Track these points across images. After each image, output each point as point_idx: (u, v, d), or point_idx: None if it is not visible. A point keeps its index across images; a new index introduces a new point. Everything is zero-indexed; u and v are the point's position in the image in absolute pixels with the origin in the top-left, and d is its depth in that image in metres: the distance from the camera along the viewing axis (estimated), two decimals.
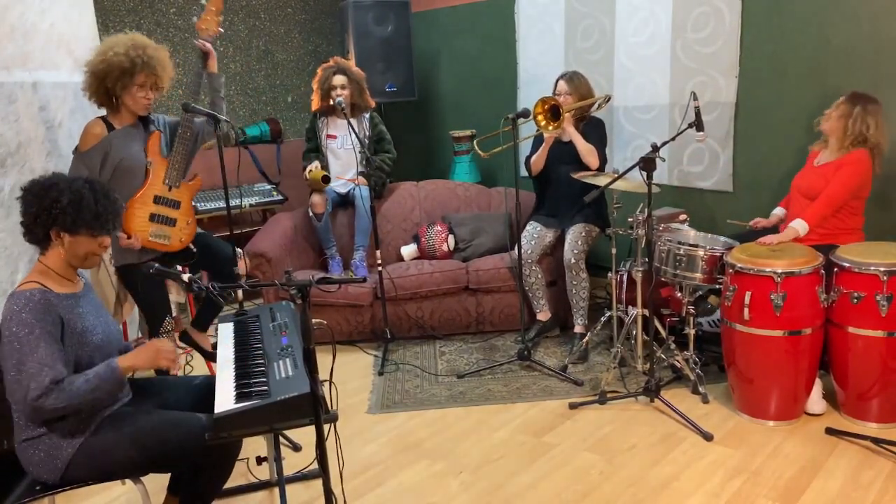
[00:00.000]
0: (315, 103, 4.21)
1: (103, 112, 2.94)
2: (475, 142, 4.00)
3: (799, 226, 3.10)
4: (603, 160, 3.77)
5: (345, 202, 4.31)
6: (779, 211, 3.50)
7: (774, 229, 3.34)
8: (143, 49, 2.79)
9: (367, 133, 4.19)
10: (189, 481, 2.16)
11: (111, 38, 2.82)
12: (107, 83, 2.80)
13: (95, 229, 2.02)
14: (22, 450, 1.99)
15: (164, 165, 2.95)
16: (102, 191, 2.05)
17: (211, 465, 2.12)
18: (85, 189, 2.01)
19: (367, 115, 4.23)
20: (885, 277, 2.71)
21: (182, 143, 2.96)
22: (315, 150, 4.25)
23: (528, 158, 3.92)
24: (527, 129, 4.16)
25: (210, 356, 3.30)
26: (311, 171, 4.09)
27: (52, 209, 1.97)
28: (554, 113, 3.55)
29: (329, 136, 4.20)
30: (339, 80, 4.07)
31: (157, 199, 2.93)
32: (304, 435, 2.80)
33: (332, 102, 4.00)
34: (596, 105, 3.87)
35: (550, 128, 3.56)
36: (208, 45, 3.02)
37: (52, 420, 1.95)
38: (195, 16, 3.15)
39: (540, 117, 3.55)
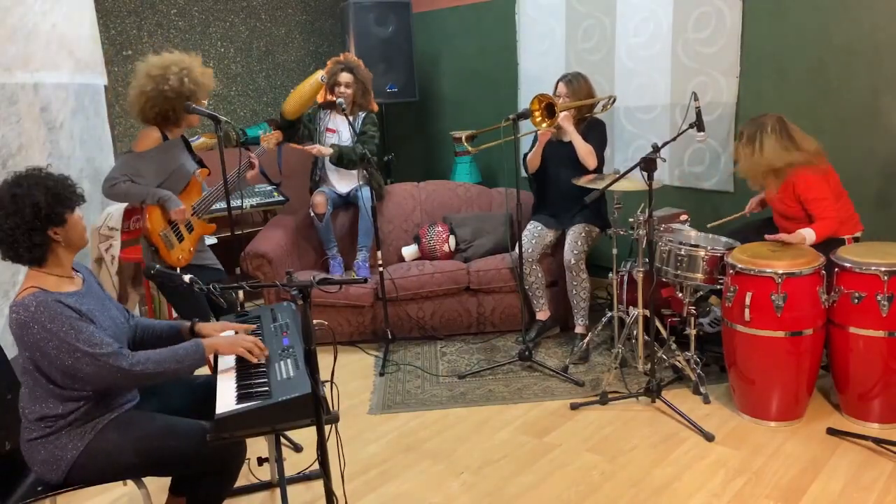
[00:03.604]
0: (321, 96, 4.21)
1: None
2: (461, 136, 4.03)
3: (808, 234, 3.05)
4: (601, 162, 3.76)
5: (346, 203, 4.32)
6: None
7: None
8: (188, 71, 2.94)
9: (358, 129, 4.18)
10: (192, 487, 2.16)
11: (162, 65, 2.91)
12: (168, 107, 2.94)
13: (76, 203, 2.02)
14: (27, 449, 2.00)
15: (198, 196, 3.16)
16: (46, 171, 2.02)
17: (214, 472, 2.11)
18: (44, 177, 1.97)
19: (363, 115, 4.22)
20: (885, 277, 2.71)
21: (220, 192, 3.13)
22: (296, 134, 4.22)
23: (525, 157, 3.92)
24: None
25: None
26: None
27: (39, 213, 1.91)
28: (549, 110, 3.55)
29: (328, 130, 4.22)
30: (345, 77, 4.08)
31: None
32: (306, 436, 2.80)
33: (335, 100, 4.01)
34: (600, 106, 3.87)
35: (545, 125, 3.56)
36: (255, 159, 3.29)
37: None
38: (262, 130, 3.49)
39: (536, 114, 3.55)
